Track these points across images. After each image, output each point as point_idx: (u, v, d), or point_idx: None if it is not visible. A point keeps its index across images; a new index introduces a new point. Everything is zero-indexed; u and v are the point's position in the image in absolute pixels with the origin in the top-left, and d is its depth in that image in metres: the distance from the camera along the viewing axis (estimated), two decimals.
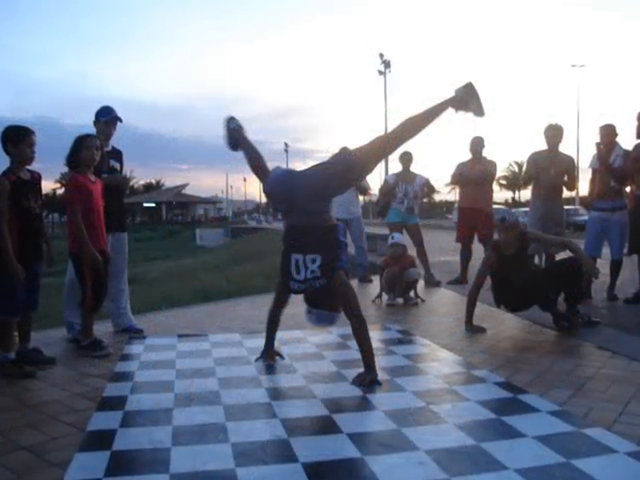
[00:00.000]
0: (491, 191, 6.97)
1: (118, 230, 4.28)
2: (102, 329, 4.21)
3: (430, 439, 2.19)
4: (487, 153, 6.79)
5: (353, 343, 3.08)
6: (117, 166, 4.36)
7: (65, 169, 3.86)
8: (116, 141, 4.38)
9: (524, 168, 6.61)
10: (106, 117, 4.23)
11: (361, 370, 2.95)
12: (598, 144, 5.48)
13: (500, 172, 64.80)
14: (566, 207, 6.83)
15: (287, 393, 2.85)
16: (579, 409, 2.50)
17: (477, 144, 6.75)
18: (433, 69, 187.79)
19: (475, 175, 6.62)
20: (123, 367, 3.34)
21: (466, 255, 6.87)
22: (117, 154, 4.39)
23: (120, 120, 4.31)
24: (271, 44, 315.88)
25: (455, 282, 6.71)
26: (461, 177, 6.78)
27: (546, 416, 2.43)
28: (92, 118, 4.25)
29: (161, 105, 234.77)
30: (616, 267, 5.56)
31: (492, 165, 6.79)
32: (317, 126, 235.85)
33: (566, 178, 5.81)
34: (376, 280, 6.17)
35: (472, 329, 4.16)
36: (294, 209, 3.07)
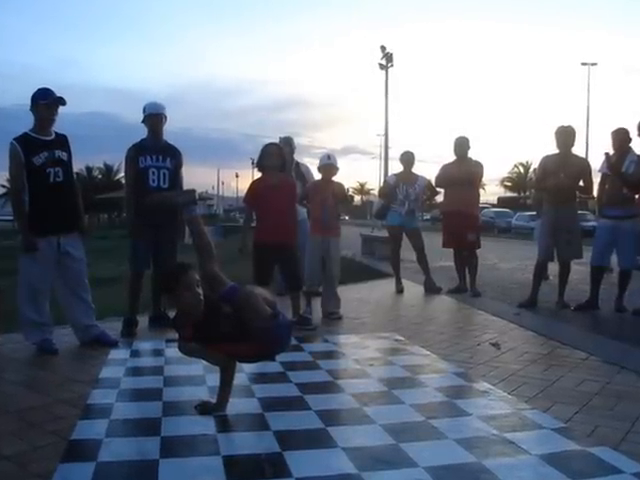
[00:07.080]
0: (478, 194, 6.93)
1: (73, 230, 3.96)
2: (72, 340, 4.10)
3: (429, 455, 2.21)
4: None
5: (349, 353, 3.09)
6: (64, 156, 3.90)
7: None
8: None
9: (531, 170, 6.54)
10: (46, 99, 3.79)
11: (356, 381, 2.94)
12: (607, 154, 5.45)
13: (505, 173, 65.03)
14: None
15: (280, 404, 2.85)
16: (584, 427, 2.51)
17: (461, 144, 6.67)
18: (438, 65, 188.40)
19: (461, 176, 6.48)
20: (108, 373, 3.34)
21: (460, 260, 6.84)
22: (62, 141, 3.93)
23: (62, 102, 3.86)
24: (269, 35, 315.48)
25: (456, 291, 6.67)
26: (446, 178, 6.64)
27: (550, 433, 2.45)
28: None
29: (150, 95, 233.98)
30: (625, 277, 5.59)
31: (478, 166, 6.70)
32: (315, 121, 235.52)
33: (582, 183, 5.69)
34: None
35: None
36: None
